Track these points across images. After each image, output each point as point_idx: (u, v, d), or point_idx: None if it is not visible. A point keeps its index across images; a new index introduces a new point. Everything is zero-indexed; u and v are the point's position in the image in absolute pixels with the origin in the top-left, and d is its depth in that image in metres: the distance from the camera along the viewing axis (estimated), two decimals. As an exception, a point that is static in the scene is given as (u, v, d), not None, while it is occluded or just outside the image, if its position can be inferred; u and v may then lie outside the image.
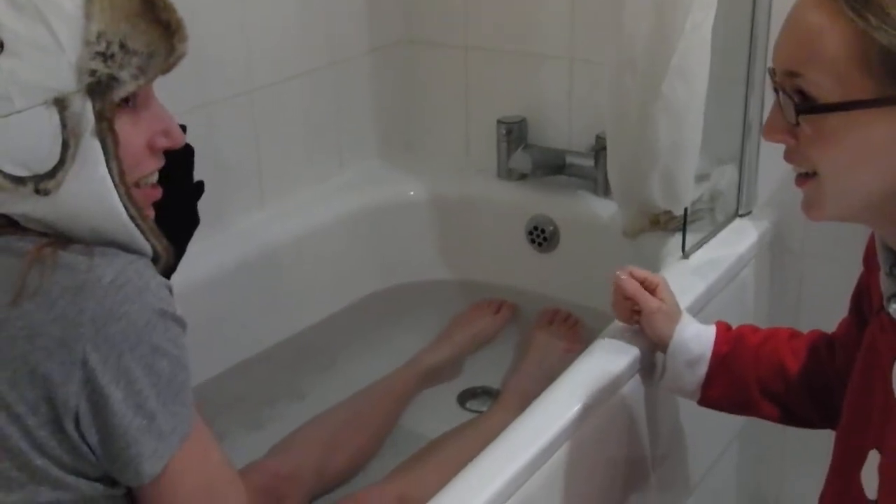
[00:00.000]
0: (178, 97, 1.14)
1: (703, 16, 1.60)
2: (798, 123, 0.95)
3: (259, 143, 1.91)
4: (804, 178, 0.99)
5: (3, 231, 0.99)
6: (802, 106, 0.94)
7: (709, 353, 1.33)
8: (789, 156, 0.99)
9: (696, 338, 1.34)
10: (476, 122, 2.13)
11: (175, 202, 1.14)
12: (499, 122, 2.06)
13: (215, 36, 1.74)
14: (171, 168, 1.10)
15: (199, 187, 1.24)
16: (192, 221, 1.23)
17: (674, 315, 1.36)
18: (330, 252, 1.99)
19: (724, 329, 1.36)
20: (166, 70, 1.03)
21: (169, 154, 1.08)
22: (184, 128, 1.12)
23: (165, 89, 1.07)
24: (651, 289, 1.38)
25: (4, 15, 0.93)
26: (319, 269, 1.97)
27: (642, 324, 1.38)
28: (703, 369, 1.33)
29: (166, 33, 1.00)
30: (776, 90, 0.97)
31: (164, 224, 1.08)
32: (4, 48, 0.93)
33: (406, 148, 2.24)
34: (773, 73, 0.98)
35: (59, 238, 0.99)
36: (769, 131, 0.99)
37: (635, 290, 1.38)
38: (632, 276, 1.39)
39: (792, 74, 0.94)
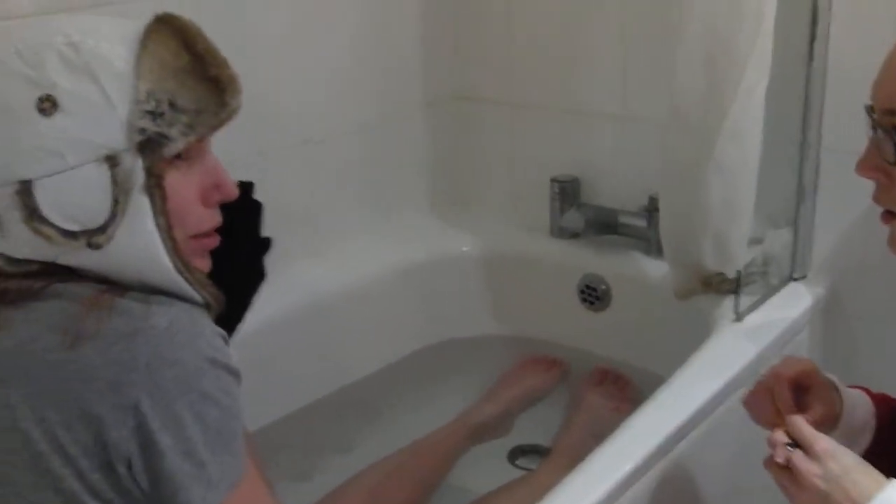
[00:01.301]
0: (235, 147, 1.15)
1: (756, 79, 1.60)
2: (894, 162, 0.94)
3: (313, 194, 1.93)
4: (891, 215, 0.98)
5: (63, 278, 1.01)
6: None
7: (872, 423, 1.24)
8: (880, 194, 0.99)
9: (858, 406, 1.24)
10: (528, 179, 2.14)
11: (242, 256, 1.16)
12: (552, 180, 2.06)
13: (273, 89, 1.78)
14: (238, 223, 1.12)
15: (267, 243, 1.25)
16: (258, 276, 1.24)
17: (834, 400, 1.22)
18: (381, 305, 2.00)
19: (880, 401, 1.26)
20: (219, 125, 1.04)
21: (239, 209, 1.10)
22: (251, 185, 1.14)
23: (223, 140, 1.08)
24: (804, 387, 1.23)
25: (59, 75, 0.96)
26: (370, 322, 1.98)
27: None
28: (864, 443, 1.25)
29: (216, 89, 1.02)
30: (873, 128, 0.97)
31: (229, 277, 1.10)
32: (59, 107, 0.96)
33: (458, 203, 2.25)
34: (870, 110, 0.97)
35: (117, 285, 1.01)
36: (863, 168, 0.98)
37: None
38: (784, 376, 1.20)
39: (891, 113, 0.94)
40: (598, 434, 1.41)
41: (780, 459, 1.09)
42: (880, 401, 1.27)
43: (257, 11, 1.76)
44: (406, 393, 1.98)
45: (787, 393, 1.21)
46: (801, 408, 1.21)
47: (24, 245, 1.00)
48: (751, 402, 1.27)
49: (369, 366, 1.99)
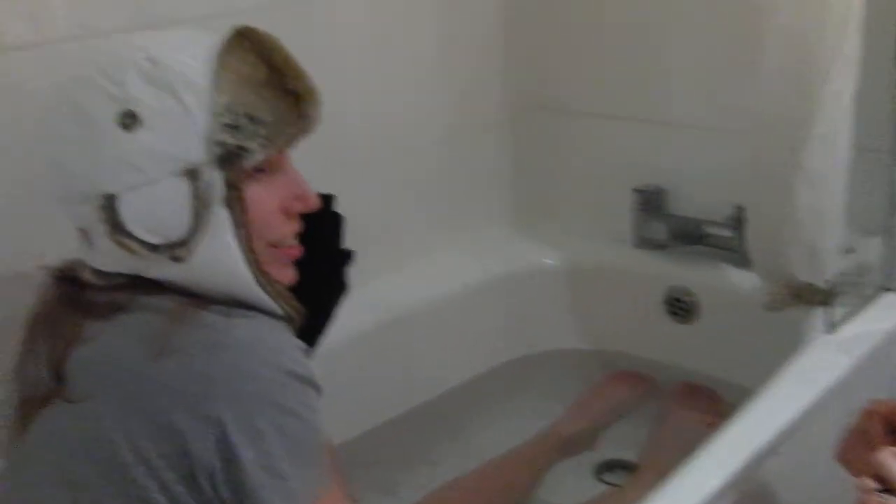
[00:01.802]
0: (315, 160, 1.16)
1: (843, 83, 1.57)
2: None
3: (395, 207, 1.94)
4: None
5: (149, 290, 1.03)
6: None
7: None
8: None
9: None
10: (612, 190, 2.11)
11: (324, 268, 1.17)
12: (635, 190, 2.04)
13: (354, 101, 1.79)
14: (321, 235, 1.13)
15: (349, 255, 1.26)
16: (340, 288, 1.25)
17: None
18: (463, 319, 2.00)
19: None
20: (298, 136, 1.05)
21: (321, 222, 1.11)
22: (332, 197, 1.15)
23: (302, 152, 1.09)
24: None
25: (139, 90, 0.98)
26: (453, 336, 1.98)
27: None
28: None
29: (294, 101, 1.03)
30: None
31: (312, 290, 1.11)
32: (140, 121, 0.98)
33: (541, 215, 2.23)
34: None
35: (200, 298, 1.02)
36: None
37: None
38: (876, 413, 1.09)
39: None
40: (687, 449, 1.38)
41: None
42: None
43: (338, 24, 1.77)
44: (489, 407, 1.97)
45: (879, 429, 1.10)
46: None
47: (111, 258, 1.03)
48: (844, 453, 1.16)
49: (452, 380, 1.98)
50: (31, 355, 1.05)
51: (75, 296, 1.05)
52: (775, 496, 1.39)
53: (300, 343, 1.03)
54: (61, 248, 1.11)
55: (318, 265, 1.15)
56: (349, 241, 1.28)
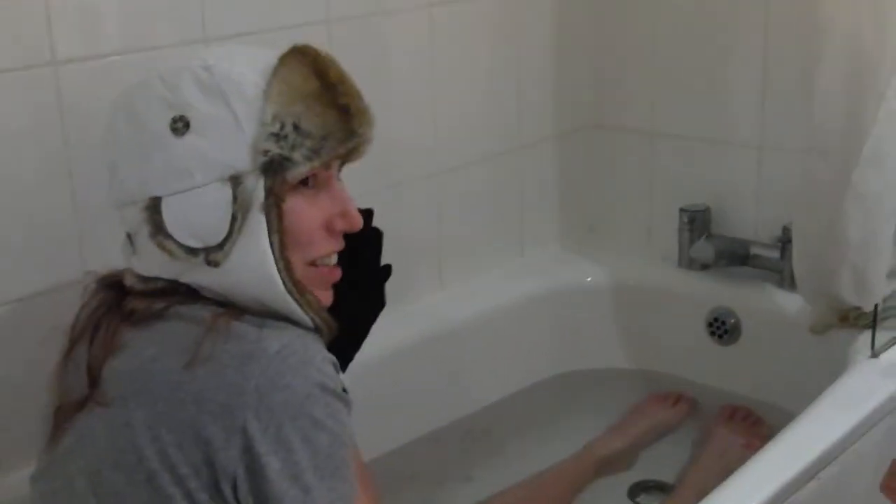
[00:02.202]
0: (366, 177, 1.17)
1: (897, 103, 1.56)
2: None
3: (442, 224, 1.94)
4: None
5: (186, 300, 1.04)
6: None
7: None
8: None
9: None
10: (659, 209, 2.11)
11: (361, 283, 1.17)
12: (681, 210, 2.03)
13: (406, 118, 1.80)
14: (359, 250, 1.13)
15: (387, 270, 1.25)
16: (378, 303, 1.25)
17: None
18: (507, 335, 2.00)
19: None
20: (346, 154, 1.06)
21: (359, 237, 1.11)
22: (371, 212, 1.15)
23: (355, 171, 1.10)
24: None
25: (192, 96, 1.00)
26: (495, 352, 1.97)
27: None
28: None
29: (345, 117, 1.04)
30: None
31: (348, 304, 1.11)
32: (190, 127, 1.00)
33: (587, 233, 2.23)
34: None
35: (234, 308, 1.03)
36: None
37: None
38: None
39: None
40: (727, 471, 1.37)
41: None
42: None
43: (393, 43, 1.78)
44: (529, 424, 1.96)
45: None
46: None
47: (152, 262, 1.04)
48: (890, 484, 1.19)
49: (493, 395, 1.98)
50: (72, 362, 1.07)
51: (117, 302, 1.06)
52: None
53: (331, 356, 1.03)
54: (107, 258, 1.13)
55: (356, 281, 1.15)
56: (400, 257, 1.28)
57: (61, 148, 1.38)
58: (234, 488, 0.96)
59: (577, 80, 2.13)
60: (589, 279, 2.11)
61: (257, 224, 1.01)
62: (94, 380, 1.02)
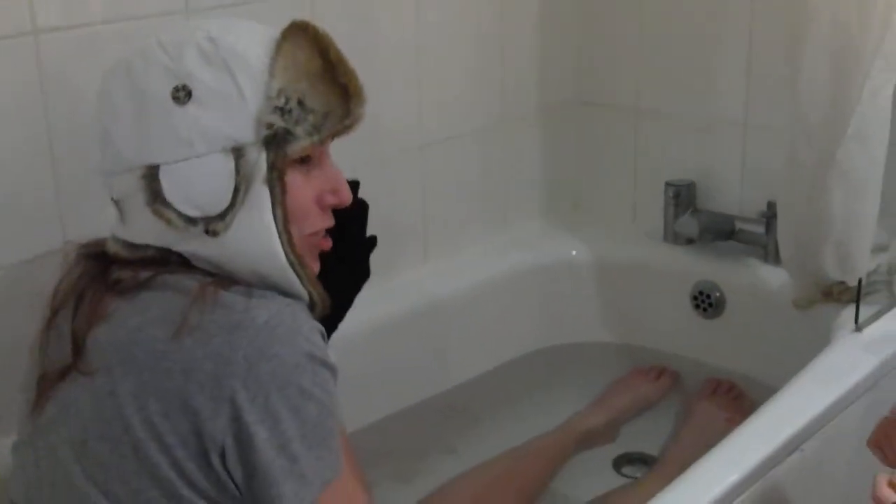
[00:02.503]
0: (351, 151, 1.17)
1: (883, 80, 1.57)
2: None
3: (426, 198, 1.94)
4: None
5: (174, 269, 1.04)
6: None
7: None
8: None
9: None
10: (644, 184, 2.11)
11: (347, 255, 1.17)
12: (667, 184, 2.03)
13: (391, 92, 1.79)
14: (345, 222, 1.13)
15: (372, 242, 1.26)
16: (362, 274, 1.25)
17: None
18: (491, 309, 2.00)
19: None
20: (342, 132, 1.07)
21: (345, 208, 1.11)
22: (356, 184, 1.16)
23: (342, 145, 1.10)
24: None
25: (196, 66, 1.00)
26: (479, 326, 1.98)
27: None
28: None
29: (344, 96, 1.05)
30: None
31: (335, 275, 1.12)
32: (192, 96, 1.00)
33: (572, 208, 2.24)
34: None
35: (222, 278, 1.03)
36: None
37: None
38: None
39: None
40: (709, 444, 1.38)
41: None
42: None
43: (381, 19, 1.77)
44: (512, 397, 1.97)
45: None
46: None
47: (144, 230, 1.04)
48: (877, 442, 1.20)
49: (477, 369, 1.98)
50: (54, 331, 1.06)
51: (101, 272, 1.06)
52: (797, 493, 1.37)
53: (319, 325, 1.03)
54: (87, 228, 1.13)
55: (342, 252, 1.16)
56: (385, 230, 1.29)
57: (41, 117, 1.37)
58: (223, 458, 0.97)
59: (563, 56, 2.12)
60: (573, 253, 2.11)
61: (260, 196, 1.01)
62: (77, 349, 1.02)
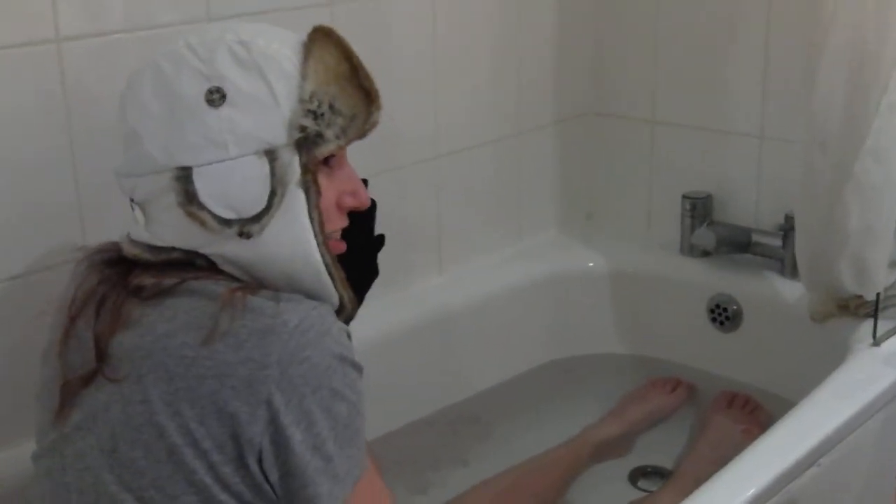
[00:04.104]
0: (368, 160, 1.18)
1: (899, 96, 1.56)
2: None
3: (441, 208, 1.94)
4: None
5: (200, 275, 1.04)
6: None
7: None
8: None
9: None
10: (660, 196, 2.11)
11: (357, 253, 1.18)
12: (683, 196, 2.03)
13: (408, 101, 1.80)
14: (354, 220, 1.14)
15: (381, 240, 1.26)
16: (371, 272, 1.26)
17: None
18: (505, 320, 2.00)
19: None
20: (364, 134, 1.09)
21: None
22: (365, 182, 1.16)
23: (358, 151, 1.11)
24: None
25: (229, 69, 1.01)
26: (493, 337, 1.98)
27: None
28: None
29: (367, 99, 1.07)
30: None
31: (348, 275, 1.12)
32: (227, 99, 1.01)
33: (586, 219, 2.24)
34: None
35: (249, 283, 1.04)
36: None
37: None
38: None
39: None
40: (724, 458, 1.38)
41: None
42: None
43: (400, 27, 1.78)
44: (526, 408, 1.97)
45: None
46: None
47: (172, 231, 1.04)
48: None
49: (491, 380, 1.98)
50: (74, 339, 1.06)
51: (121, 276, 1.06)
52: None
53: (346, 327, 1.04)
54: (110, 235, 1.13)
55: (352, 251, 1.16)
56: (400, 239, 1.29)
57: (64, 124, 1.37)
58: (259, 460, 0.97)
59: (579, 67, 2.13)
60: (589, 265, 2.11)
61: (296, 199, 1.03)
62: (101, 354, 1.02)
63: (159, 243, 1.05)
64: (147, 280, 1.04)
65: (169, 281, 1.03)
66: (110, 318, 1.03)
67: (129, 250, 1.07)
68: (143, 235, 1.06)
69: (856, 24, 1.55)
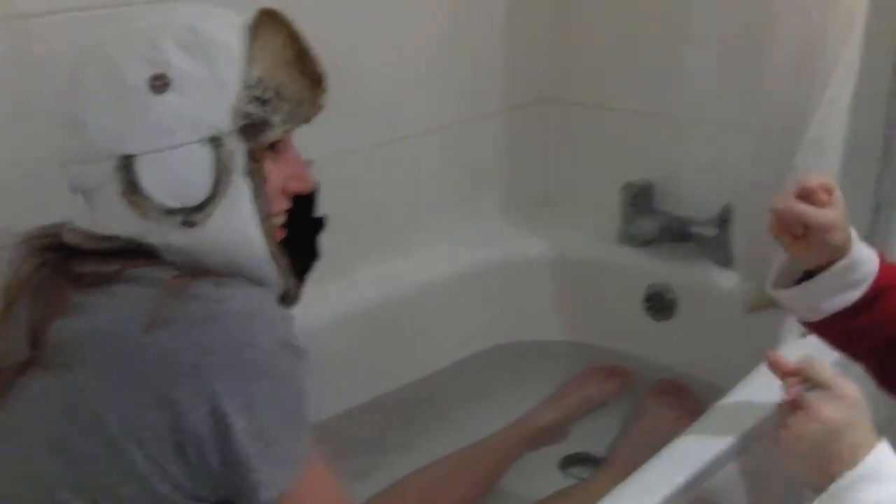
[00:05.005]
0: (316, 143, 1.17)
1: (840, 90, 1.59)
2: None
3: (390, 193, 1.95)
4: None
5: (140, 262, 1.03)
6: None
7: (869, 281, 1.22)
8: None
9: (866, 260, 1.22)
10: (604, 185, 2.12)
11: (298, 235, 1.17)
12: (624, 186, 2.05)
13: (358, 86, 1.79)
14: (296, 202, 1.13)
15: (321, 222, 1.26)
16: (312, 255, 1.25)
17: (846, 227, 1.21)
18: (449, 305, 2.00)
19: (886, 262, 1.25)
20: (309, 119, 1.08)
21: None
22: (310, 163, 1.16)
23: (306, 132, 1.11)
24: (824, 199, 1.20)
25: (174, 55, 1.00)
26: (438, 322, 1.99)
27: (812, 240, 1.21)
28: (854, 295, 1.23)
29: (313, 84, 1.07)
30: None
31: (286, 256, 1.11)
32: (171, 85, 1.00)
33: (533, 207, 2.25)
34: None
35: (192, 270, 1.02)
36: None
37: (803, 211, 1.18)
38: (801, 189, 1.20)
39: None
40: (657, 445, 1.39)
41: (789, 396, 1.13)
42: (887, 271, 1.23)
43: (350, 10, 1.77)
44: (470, 394, 1.98)
45: (799, 205, 1.19)
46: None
47: (114, 220, 1.03)
48: (774, 232, 1.24)
49: (435, 365, 1.99)
50: (8, 324, 1.05)
51: (60, 263, 1.05)
52: (743, 494, 1.39)
53: (289, 313, 1.04)
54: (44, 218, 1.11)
55: (294, 232, 1.16)
56: (349, 224, 1.28)
57: (19, 102, 1.35)
58: (200, 448, 0.96)
59: (531, 53, 2.13)
60: (533, 251, 2.12)
61: (241, 187, 1.02)
62: (37, 342, 1.01)
63: (102, 231, 1.04)
64: (87, 267, 1.03)
65: (110, 268, 1.02)
66: (47, 305, 1.02)
67: (71, 238, 1.06)
68: (86, 223, 1.05)
69: (800, 21, 1.57)
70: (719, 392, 1.51)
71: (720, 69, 1.94)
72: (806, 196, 1.20)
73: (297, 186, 1.10)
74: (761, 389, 1.47)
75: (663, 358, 1.99)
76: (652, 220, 2.01)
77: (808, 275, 1.26)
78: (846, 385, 1.10)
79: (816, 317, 1.27)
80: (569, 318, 2.13)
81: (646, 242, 2.04)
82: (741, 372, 1.53)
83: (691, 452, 1.33)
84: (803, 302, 1.28)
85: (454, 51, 1.98)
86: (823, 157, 1.61)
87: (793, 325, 1.64)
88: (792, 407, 1.12)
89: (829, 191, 1.20)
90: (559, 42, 2.14)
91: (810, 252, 1.23)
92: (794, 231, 1.21)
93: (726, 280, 1.89)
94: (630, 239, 2.05)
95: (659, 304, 2.00)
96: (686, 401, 1.88)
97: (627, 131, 2.10)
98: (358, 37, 1.80)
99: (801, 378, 1.14)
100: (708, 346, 1.90)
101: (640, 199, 2.04)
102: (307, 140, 1.13)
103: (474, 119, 2.07)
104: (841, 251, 1.22)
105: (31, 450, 1.01)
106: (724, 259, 1.92)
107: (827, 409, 1.08)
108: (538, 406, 1.92)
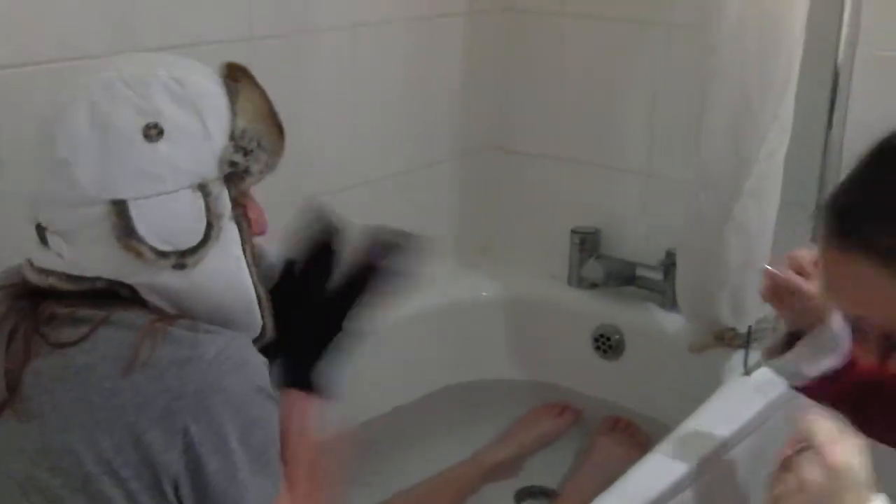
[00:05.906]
0: (274, 192, 1.21)
1: (777, 143, 1.66)
2: None
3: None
4: None
5: (120, 305, 1.04)
6: None
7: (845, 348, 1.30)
8: None
9: (843, 330, 1.30)
10: (552, 230, 2.17)
11: (307, 303, 1.21)
12: (573, 231, 2.11)
13: (319, 135, 1.83)
14: (310, 270, 1.20)
15: (352, 297, 1.28)
16: (327, 328, 1.25)
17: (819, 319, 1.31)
18: (402, 345, 2.01)
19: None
20: (275, 168, 1.11)
21: (313, 259, 1.20)
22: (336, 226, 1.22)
23: (269, 185, 1.13)
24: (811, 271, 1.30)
25: (166, 105, 1.03)
26: (391, 362, 1.98)
27: (797, 305, 1.31)
28: (834, 361, 1.31)
29: (281, 136, 1.10)
30: None
31: (295, 323, 1.16)
32: (164, 135, 1.02)
33: (483, 251, 2.29)
34: None
35: (169, 314, 1.04)
36: None
37: (793, 280, 1.30)
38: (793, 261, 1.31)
39: None
40: (607, 479, 1.44)
41: (780, 456, 1.08)
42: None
43: (315, 63, 1.82)
44: (423, 432, 2.01)
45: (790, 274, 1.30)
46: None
47: (100, 262, 1.03)
48: (766, 292, 1.35)
49: (388, 404, 2.02)
50: None
51: (31, 307, 1.06)
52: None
53: (263, 358, 1.05)
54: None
55: (301, 299, 1.20)
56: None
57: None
58: (176, 488, 0.98)
59: (483, 102, 2.18)
60: (483, 294, 2.17)
61: (230, 232, 1.05)
62: (13, 386, 1.02)
63: (81, 273, 1.04)
64: (60, 309, 1.04)
65: (86, 312, 1.03)
66: (22, 350, 1.03)
67: (41, 280, 1.05)
68: (58, 263, 1.05)
69: (740, 77, 1.64)
70: (665, 428, 1.57)
71: (659, 124, 2.01)
72: (797, 268, 1.30)
73: (256, 229, 1.12)
74: (705, 426, 1.54)
75: (612, 396, 2.05)
76: (599, 265, 2.07)
77: (793, 337, 1.34)
78: (833, 453, 1.03)
79: (799, 383, 1.34)
80: (520, 358, 2.17)
81: (593, 285, 2.10)
82: (686, 409, 1.59)
83: (641, 484, 1.39)
84: (787, 369, 1.35)
85: (413, 102, 2.03)
86: (761, 208, 1.69)
87: (735, 365, 1.72)
88: (782, 468, 1.08)
89: (816, 265, 1.25)
90: (507, 94, 2.19)
91: (793, 315, 1.32)
92: (781, 296, 1.31)
93: (671, 322, 1.96)
94: (579, 281, 2.12)
95: (607, 344, 2.07)
96: (634, 436, 1.94)
97: (573, 179, 2.15)
98: (315, 85, 1.83)
99: (801, 438, 1.08)
100: (654, 385, 1.96)
101: (587, 243, 2.10)
102: (270, 188, 1.14)
103: (429, 166, 2.11)
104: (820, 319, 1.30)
105: (7, 489, 1.02)
106: (669, 302, 1.99)
107: (811, 476, 1.03)
108: (492, 442, 1.96)
